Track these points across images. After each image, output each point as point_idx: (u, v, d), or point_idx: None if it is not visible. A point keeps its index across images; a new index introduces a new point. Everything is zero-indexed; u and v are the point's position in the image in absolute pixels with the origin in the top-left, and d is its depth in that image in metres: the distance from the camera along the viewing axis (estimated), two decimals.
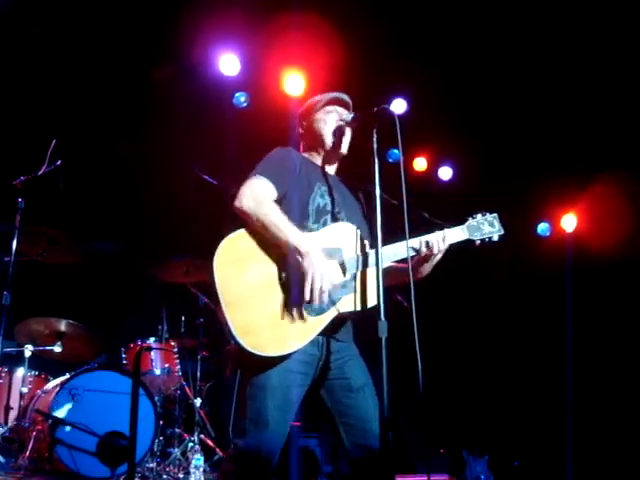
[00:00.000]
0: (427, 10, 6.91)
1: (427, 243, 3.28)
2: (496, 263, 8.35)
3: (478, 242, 3.46)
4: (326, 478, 6.70)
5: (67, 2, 6.33)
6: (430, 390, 7.60)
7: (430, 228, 3.39)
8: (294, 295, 3.01)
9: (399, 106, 7.89)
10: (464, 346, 8.38)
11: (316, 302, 2.98)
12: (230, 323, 2.90)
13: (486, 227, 3.46)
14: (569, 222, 8.71)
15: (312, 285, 2.96)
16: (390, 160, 7.62)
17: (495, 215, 3.51)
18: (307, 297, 2.97)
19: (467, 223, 3.45)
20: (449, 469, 6.76)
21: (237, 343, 2.90)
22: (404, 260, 3.24)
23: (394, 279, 3.31)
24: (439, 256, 3.34)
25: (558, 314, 8.20)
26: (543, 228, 8.89)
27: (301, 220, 3.17)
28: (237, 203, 3.10)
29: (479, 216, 3.48)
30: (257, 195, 3.10)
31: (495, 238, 3.48)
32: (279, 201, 3.17)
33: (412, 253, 3.24)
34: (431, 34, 7.10)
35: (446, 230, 3.37)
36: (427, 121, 7.96)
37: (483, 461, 6.96)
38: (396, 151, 8.01)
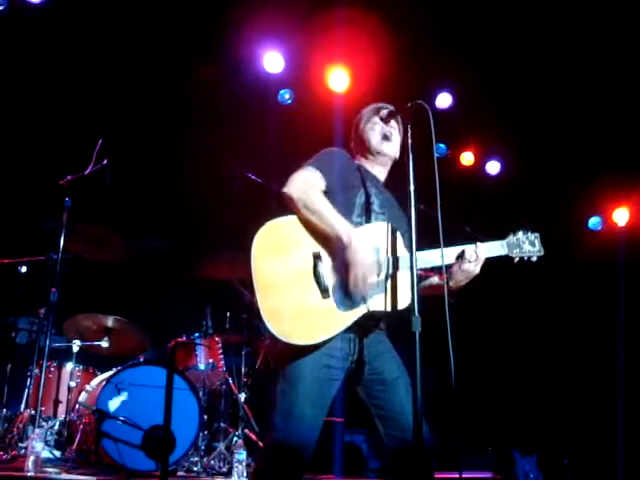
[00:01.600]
0: (473, 3, 6.84)
1: (462, 253, 3.27)
2: (547, 257, 8.23)
3: (517, 260, 3.39)
4: (373, 474, 6.69)
5: (113, 1, 6.44)
6: (479, 387, 7.55)
7: (470, 242, 3.35)
8: (333, 283, 3.05)
9: (445, 100, 7.84)
10: (515, 342, 8.29)
11: (357, 292, 3.02)
12: (260, 306, 2.94)
13: (527, 246, 3.38)
14: (621, 216, 8.54)
15: (355, 275, 3.00)
16: (436, 155, 7.56)
17: (537, 235, 3.42)
18: (351, 285, 3.01)
19: (507, 239, 3.38)
20: (494, 467, 6.70)
21: (265, 327, 2.92)
22: (438, 270, 3.26)
23: (428, 291, 3.33)
24: (477, 269, 3.30)
25: (610, 309, 8.06)
26: (594, 222, 8.74)
27: (346, 213, 3.19)
28: (286, 189, 3.16)
29: (520, 233, 3.40)
30: (306, 183, 3.17)
31: (534, 259, 3.39)
32: (326, 193, 3.21)
33: (449, 261, 3.24)
34: (477, 27, 7.03)
35: (485, 244, 3.34)
36: (474, 115, 7.90)
37: (532, 459, 6.88)
38: (442, 145, 7.98)
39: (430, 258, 3.20)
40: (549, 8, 6.72)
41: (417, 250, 2.97)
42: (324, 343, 3.01)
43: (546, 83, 7.42)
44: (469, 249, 3.28)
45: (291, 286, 3.02)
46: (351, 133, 3.67)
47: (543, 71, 7.31)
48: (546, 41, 7.02)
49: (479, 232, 3.47)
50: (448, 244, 3.22)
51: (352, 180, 3.34)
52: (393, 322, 3.31)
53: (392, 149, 3.52)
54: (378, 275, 3.11)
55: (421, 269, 3.17)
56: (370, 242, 3.13)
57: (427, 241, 3.15)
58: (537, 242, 3.42)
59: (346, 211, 3.20)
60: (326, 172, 3.24)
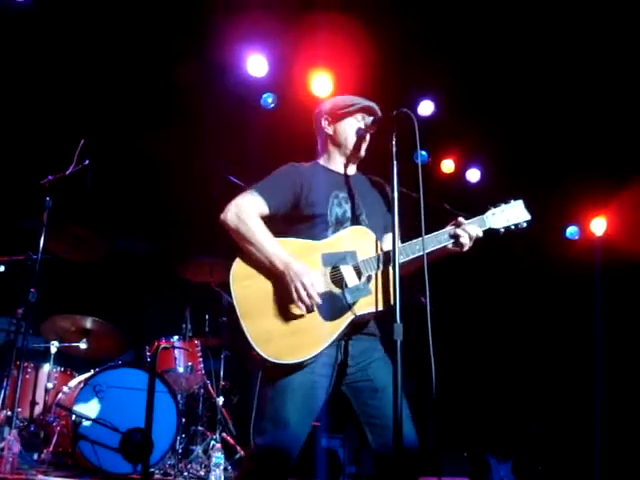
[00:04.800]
0: (455, 10, 6.87)
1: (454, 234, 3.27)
2: (524, 265, 8.32)
3: (502, 231, 3.37)
4: (349, 479, 6.69)
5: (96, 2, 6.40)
6: (455, 392, 7.57)
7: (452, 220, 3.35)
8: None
9: (426, 108, 7.87)
10: (491, 349, 8.33)
11: (306, 310, 3.01)
12: (247, 334, 2.95)
13: (512, 215, 3.38)
14: (598, 225, 8.61)
15: (299, 296, 2.99)
16: (417, 161, 7.60)
17: (520, 201, 3.41)
18: (300, 309, 3.01)
19: (488, 212, 3.37)
20: (470, 473, 6.73)
21: (257, 353, 2.93)
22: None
23: (407, 268, 3.25)
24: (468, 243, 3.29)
25: (587, 318, 8.13)
26: (572, 231, 8.79)
27: (321, 233, 3.19)
28: (222, 216, 3.13)
29: (502, 204, 3.39)
30: (242, 210, 3.11)
31: (523, 225, 3.39)
32: (285, 218, 3.21)
33: (445, 244, 3.26)
34: (460, 35, 7.06)
35: (469, 220, 3.31)
36: (455, 123, 7.92)
37: (507, 465, 6.92)
38: (423, 152, 8.02)
39: (418, 245, 3.15)
40: (531, 17, 6.76)
41: (403, 242, 3.05)
42: (315, 357, 3.01)
43: (527, 92, 7.47)
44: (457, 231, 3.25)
45: (274, 306, 3.02)
46: (318, 120, 3.53)
47: (524, 81, 7.37)
48: (527, 51, 7.07)
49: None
50: (432, 228, 3.22)
51: (315, 195, 3.27)
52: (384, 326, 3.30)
53: (364, 149, 3.48)
54: (359, 277, 3.12)
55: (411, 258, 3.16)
56: (342, 249, 3.13)
57: (408, 225, 3.14)
58: (522, 208, 3.41)
59: (321, 230, 3.20)
60: (271, 196, 3.18)
